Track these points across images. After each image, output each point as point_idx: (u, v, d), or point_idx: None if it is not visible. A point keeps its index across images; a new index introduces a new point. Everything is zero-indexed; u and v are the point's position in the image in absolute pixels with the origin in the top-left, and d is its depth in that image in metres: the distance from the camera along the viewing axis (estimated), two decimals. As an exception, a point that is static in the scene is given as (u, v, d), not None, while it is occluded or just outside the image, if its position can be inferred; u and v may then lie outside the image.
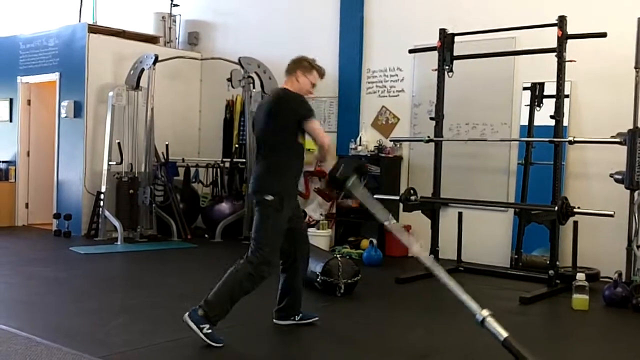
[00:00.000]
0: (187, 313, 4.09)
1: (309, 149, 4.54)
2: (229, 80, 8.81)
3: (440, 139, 6.84)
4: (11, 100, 9.92)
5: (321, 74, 4.56)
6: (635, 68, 5.95)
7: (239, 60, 8.75)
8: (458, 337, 4.53)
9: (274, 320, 4.57)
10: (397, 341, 4.36)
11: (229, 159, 9.12)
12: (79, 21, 10.65)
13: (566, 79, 5.97)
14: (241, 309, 4.22)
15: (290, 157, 4.34)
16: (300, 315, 4.57)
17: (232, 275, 4.15)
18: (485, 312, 3.49)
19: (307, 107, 4.31)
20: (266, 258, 4.16)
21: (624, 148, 5.75)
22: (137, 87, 8.86)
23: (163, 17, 10.12)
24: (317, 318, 4.61)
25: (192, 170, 9.34)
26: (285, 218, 4.26)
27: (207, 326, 4.03)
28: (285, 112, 4.29)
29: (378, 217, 4.14)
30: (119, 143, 8.60)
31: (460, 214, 6.98)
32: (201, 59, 10.03)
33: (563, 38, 5.87)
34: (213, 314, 4.06)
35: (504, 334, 3.37)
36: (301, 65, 4.46)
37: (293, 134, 4.28)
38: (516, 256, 6.94)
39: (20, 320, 4.56)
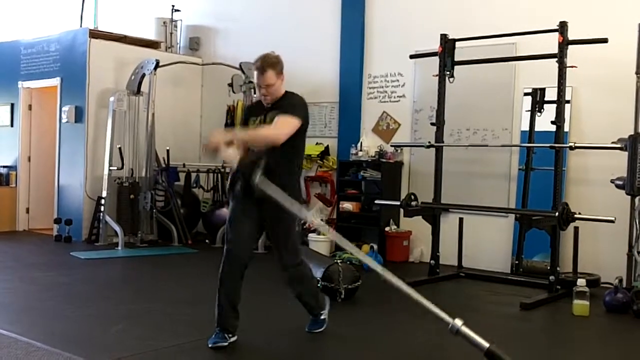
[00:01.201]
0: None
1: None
2: (230, 85, 8.83)
3: (441, 144, 6.84)
4: (12, 105, 9.94)
5: (257, 68, 4.15)
6: (636, 74, 5.96)
7: (240, 65, 8.77)
8: (459, 341, 4.51)
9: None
10: (399, 346, 4.36)
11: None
12: (80, 26, 10.65)
13: (567, 84, 5.97)
14: (243, 311, 4.20)
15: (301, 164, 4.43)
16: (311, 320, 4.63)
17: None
18: (458, 322, 3.34)
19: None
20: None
21: (625, 154, 5.75)
22: (138, 92, 8.87)
23: (164, 22, 10.14)
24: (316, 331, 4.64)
25: (193, 175, 9.34)
26: (236, 207, 4.17)
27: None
28: (304, 118, 4.20)
29: (294, 212, 3.96)
30: (119, 148, 8.61)
31: (461, 219, 6.98)
32: (202, 64, 10.04)
33: (564, 44, 5.88)
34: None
35: (485, 344, 3.27)
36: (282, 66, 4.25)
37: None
38: (517, 262, 6.94)
39: (21, 325, 4.55)
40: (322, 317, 4.56)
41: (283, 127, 3.96)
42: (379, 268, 3.59)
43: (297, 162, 4.31)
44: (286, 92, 4.24)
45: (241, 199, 4.14)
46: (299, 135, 4.12)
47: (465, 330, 3.30)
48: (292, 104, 4.15)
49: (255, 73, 4.11)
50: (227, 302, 4.12)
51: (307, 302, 4.49)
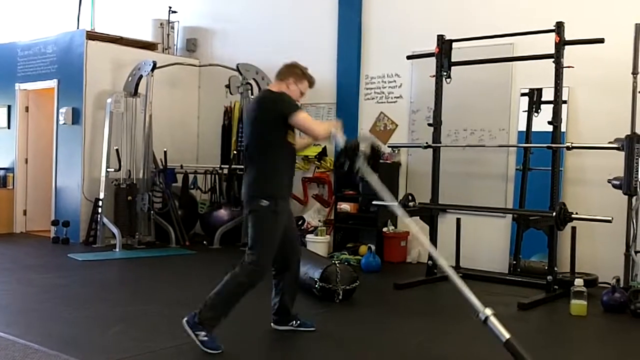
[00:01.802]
0: (185, 318, 4.11)
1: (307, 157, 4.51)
2: (227, 86, 8.83)
3: (439, 145, 6.85)
4: (9, 107, 9.93)
5: (311, 83, 4.50)
6: (633, 74, 5.97)
7: (237, 66, 8.77)
8: (457, 342, 4.53)
9: (272, 324, 4.57)
10: (396, 347, 4.36)
11: (227, 166, 9.11)
12: (77, 28, 10.67)
13: (564, 84, 5.98)
14: (239, 313, 4.21)
15: (281, 159, 4.29)
16: (299, 322, 4.56)
17: (227, 282, 4.16)
18: (488, 311, 3.48)
19: (288, 103, 4.25)
20: (259, 264, 4.16)
21: (622, 154, 5.76)
22: (136, 93, 8.87)
23: (161, 24, 10.15)
24: (314, 329, 4.59)
25: (191, 176, 9.33)
26: (281, 222, 4.24)
27: (203, 333, 4.04)
28: (268, 113, 4.24)
29: (387, 202, 4.20)
30: (117, 150, 8.60)
31: (458, 220, 6.98)
32: (199, 66, 10.04)
33: (560, 44, 5.88)
34: (208, 321, 4.07)
35: (506, 334, 3.35)
36: (294, 73, 4.42)
37: (280, 135, 4.24)
38: (514, 262, 6.95)
39: (18, 328, 4.54)
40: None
41: None
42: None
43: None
44: None
45: (281, 213, 4.25)
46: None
47: (493, 320, 3.45)
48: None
49: (307, 84, 4.46)
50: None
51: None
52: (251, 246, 4.21)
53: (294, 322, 4.55)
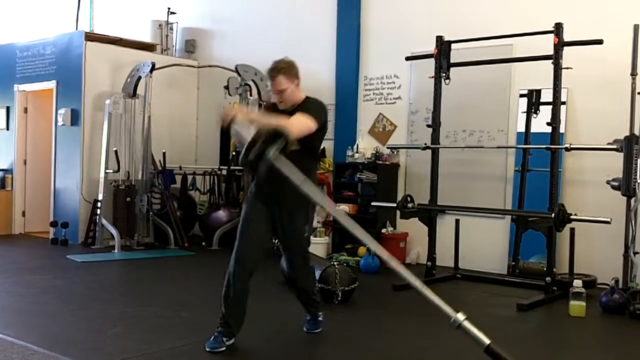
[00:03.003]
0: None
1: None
2: (226, 88, 8.82)
3: (437, 146, 6.85)
4: (8, 109, 9.92)
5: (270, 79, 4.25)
6: (632, 75, 5.97)
7: (236, 68, 8.77)
8: (455, 344, 4.52)
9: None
10: (395, 348, 4.36)
11: (226, 167, 9.11)
12: (76, 29, 10.66)
13: (562, 86, 5.98)
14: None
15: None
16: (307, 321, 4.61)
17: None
18: (461, 316, 3.29)
19: None
20: (234, 256, 4.12)
21: (621, 155, 5.76)
22: (134, 94, 8.86)
23: (160, 25, 10.14)
24: (310, 330, 4.62)
25: (190, 178, 9.32)
26: (253, 212, 4.16)
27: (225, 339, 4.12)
28: (322, 121, 4.14)
29: (310, 197, 3.69)
30: (115, 151, 8.59)
31: (457, 221, 6.99)
32: (198, 67, 10.04)
33: (559, 45, 5.89)
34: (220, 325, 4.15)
35: (486, 340, 3.24)
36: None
37: None
38: (513, 263, 6.95)
39: (17, 329, 4.54)
40: (320, 318, 4.57)
41: (300, 123, 3.88)
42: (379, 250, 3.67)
43: (314, 166, 4.34)
44: (307, 97, 4.24)
45: (255, 200, 4.17)
46: (316, 138, 4.13)
47: (467, 325, 3.25)
48: (309, 107, 4.10)
49: (269, 80, 4.17)
50: (235, 304, 4.12)
51: (309, 303, 4.51)
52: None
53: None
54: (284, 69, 4.15)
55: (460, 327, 3.26)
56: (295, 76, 4.18)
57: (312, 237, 7.81)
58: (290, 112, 4.08)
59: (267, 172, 3.64)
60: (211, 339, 4.09)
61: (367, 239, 3.65)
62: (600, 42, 5.80)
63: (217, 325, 4.11)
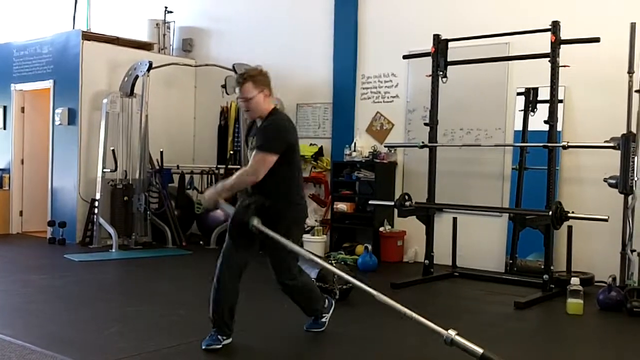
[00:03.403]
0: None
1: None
2: (224, 86, 8.82)
3: (435, 144, 6.85)
4: (5, 108, 9.91)
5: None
6: (628, 73, 5.97)
7: (234, 66, 8.76)
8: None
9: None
10: (393, 346, 4.36)
11: (223, 166, 9.11)
12: (73, 28, 10.65)
13: (560, 84, 5.98)
14: (238, 313, 4.20)
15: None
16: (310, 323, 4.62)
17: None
18: (452, 332, 3.42)
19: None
20: (222, 252, 4.17)
21: (618, 152, 5.77)
22: (132, 94, 8.85)
23: (157, 24, 10.13)
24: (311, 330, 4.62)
25: (187, 177, 9.32)
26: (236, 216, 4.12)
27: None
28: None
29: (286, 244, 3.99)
30: (113, 150, 8.58)
31: (454, 219, 6.99)
32: (195, 66, 10.03)
33: (556, 43, 5.89)
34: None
35: (479, 350, 3.32)
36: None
37: None
38: (511, 261, 6.95)
39: (15, 328, 4.53)
40: (323, 319, 4.59)
41: (258, 167, 3.97)
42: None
43: (291, 181, 4.19)
44: (272, 111, 4.13)
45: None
46: (284, 160, 4.03)
47: (459, 339, 3.38)
48: (266, 135, 4.03)
49: (237, 86, 4.09)
50: (225, 303, 4.11)
51: (307, 307, 4.50)
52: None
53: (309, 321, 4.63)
54: (253, 76, 4.06)
55: (453, 343, 3.39)
56: (265, 86, 4.07)
57: (310, 236, 7.84)
58: (258, 128, 4.11)
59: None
60: (207, 337, 4.09)
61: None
62: (597, 40, 5.81)
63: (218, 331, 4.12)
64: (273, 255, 4.21)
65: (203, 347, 4.05)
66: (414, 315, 3.59)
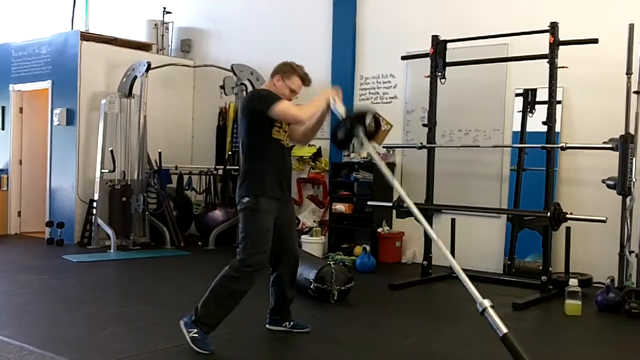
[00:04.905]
0: (182, 319, 4.13)
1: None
2: (222, 87, 8.82)
3: (433, 145, 6.85)
4: (3, 109, 9.91)
5: (304, 80, 4.44)
6: (627, 74, 5.98)
7: (232, 67, 8.77)
8: (452, 343, 4.53)
9: (266, 325, 4.57)
10: (391, 348, 4.36)
11: (222, 166, 9.11)
12: (71, 29, 10.62)
13: (558, 85, 5.99)
14: (234, 312, 4.20)
15: (265, 157, 4.24)
16: (292, 323, 4.55)
17: (216, 281, 4.16)
18: (487, 302, 3.40)
19: (264, 98, 4.20)
20: (247, 264, 4.10)
21: (616, 154, 5.77)
22: (130, 94, 8.85)
23: (155, 25, 10.13)
24: (309, 329, 4.57)
25: (185, 177, 9.33)
26: (266, 221, 4.16)
27: (195, 330, 4.03)
28: (247, 112, 4.28)
29: (385, 175, 4.24)
30: (111, 151, 8.59)
31: (453, 220, 6.99)
32: (194, 66, 10.04)
33: (555, 44, 5.89)
34: (201, 321, 4.07)
35: (503, 329, 3.31)
36: (281, 70, 4.39)
37: (262, 132, 4.21)
38: (509, 262, 6.96)
39: (13, 329, 4.53)
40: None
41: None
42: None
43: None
44: None
45: (267, 209, 4.18)
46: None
47: (491, 312, 3.37)
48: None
49: (298, 80, 4.40)
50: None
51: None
52: (239, 245, 4.22)
53: (287, 323, 4.53)
54: None
55: (483, 313, 3.38)
56: None
57: (308, 237, 7.86)
58: None
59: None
60: (198, 337, 4.05)
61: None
62: (595, 41, 5.81)
63: (202, 328, 4.07)
64: (293, 230, 4.48)
65: (198, 350, 4.04)
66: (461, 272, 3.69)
